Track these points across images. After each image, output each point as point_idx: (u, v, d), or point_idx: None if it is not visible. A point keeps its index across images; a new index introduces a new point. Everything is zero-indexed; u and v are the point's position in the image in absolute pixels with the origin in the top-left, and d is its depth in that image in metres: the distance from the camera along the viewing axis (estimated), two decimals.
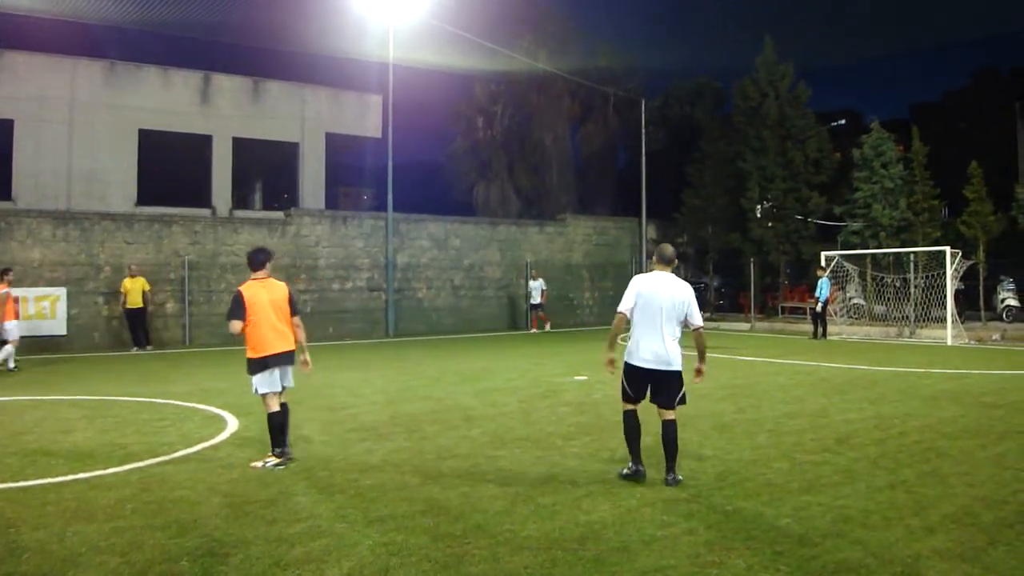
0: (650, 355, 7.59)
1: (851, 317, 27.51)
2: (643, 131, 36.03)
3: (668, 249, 7.99)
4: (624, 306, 7.77)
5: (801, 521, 6.20)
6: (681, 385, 7.66)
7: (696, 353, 7.84)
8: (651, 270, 7.82)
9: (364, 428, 10.34)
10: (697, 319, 7.74)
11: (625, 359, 7.76)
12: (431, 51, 32.61)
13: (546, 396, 13.16)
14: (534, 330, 29.18)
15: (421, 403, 12.58)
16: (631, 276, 28.57)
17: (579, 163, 44.35)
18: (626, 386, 7.83)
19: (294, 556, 5.55)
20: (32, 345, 21.83)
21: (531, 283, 29.54)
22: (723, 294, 36.95)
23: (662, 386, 7.59)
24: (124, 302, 22.71)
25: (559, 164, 41.63)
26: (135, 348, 22.64)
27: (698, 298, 28.96)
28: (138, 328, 22.89)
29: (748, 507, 6.60)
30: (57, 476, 7.90)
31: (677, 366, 7.58)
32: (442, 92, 41.43)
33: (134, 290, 22.65)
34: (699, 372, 7.79)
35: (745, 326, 29.70)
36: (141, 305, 22.74)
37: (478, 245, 30.75)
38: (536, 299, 29.14)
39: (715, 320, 32.05)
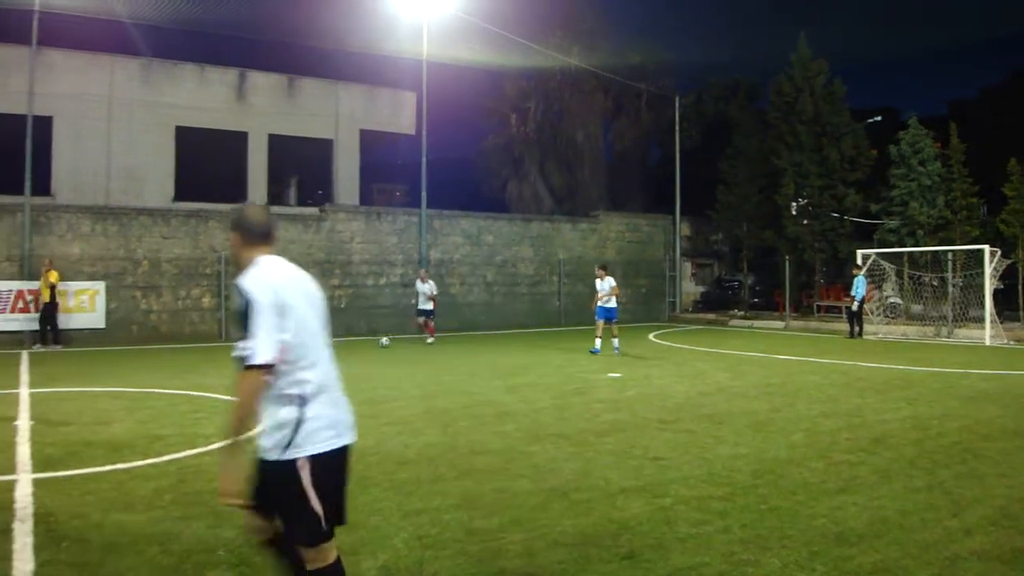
0: (340, 415, 3.94)
1: (888, 316, 27.22)
2: (677, 127, 35.88)
3: (259, 213, 4.17)
4: (270, 343, 3.59)
5: (837, 521, 6.15)
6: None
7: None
8: (253, 257, 3.94)
9: (398, 422, 10.39)
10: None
11: (292, 451, 3.69)
12: (464, 47, 32.65)
13: (579, 393, 13.16)
14: (431, 340, 23.60)
15: (455, 398, 12.62)
16: (665, 273, 28.18)
17: (612, 160, 44.23)
18: (317, 506, 3.70)
19: None
20: (72, 338, 22.20)
21: (419, 284, 23.95)
22: (757, 292, 36.70)
23: (335, 478, 3.92)
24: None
25: (592, 161, 41.56)
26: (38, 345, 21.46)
27: (733, 296, 28.29)
28: (47, 324, 21.76)
29: (783, 506, 6.55)
30: (96, 466, 8.00)
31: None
32: (475, 88, 41.45)
33: (47, 283, 21.61)
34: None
35: (779, 324, 29.50)
36: (50, 300, 21.64)
37: (511, 241, 30.78)
38: (426, 304, 23.67)
39: (749, 318, 31.86)
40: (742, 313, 33.30)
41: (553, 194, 40.99)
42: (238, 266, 3.87)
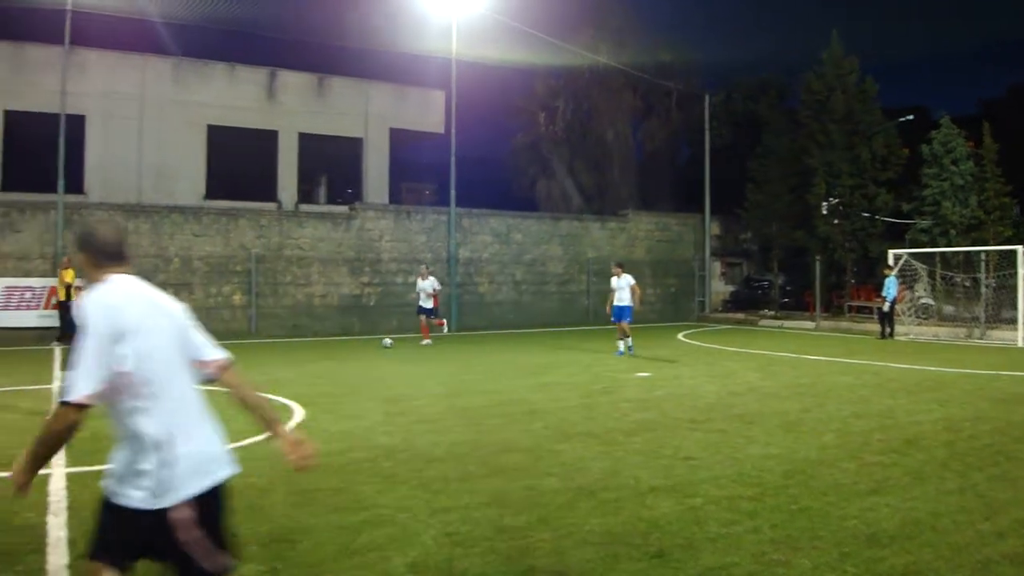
0: (205, 450, 3.45)
1: (919, 317, 26.96)
2: (707, 126, 35.72)
3: (108, 231, 3.63)
4: (91, 378, 3.22)
5: (869, 522, 6.10)
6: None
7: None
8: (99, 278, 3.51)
9: (427, 420, 10.42)
10: (214, 348, 3.67)
11: (160, 499, 3.22)
12: (493, 46, 32.65)
13: (608, 392, 13.14)
14: (426, 341, 22.41)
15: (483, 396, 12.64)
16: (694, 273, 27.97)
17: (641, 158, 44.09)
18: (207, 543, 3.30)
19: (359, 544, 5.63)
20: None
21: (420, 282, 22.84)
22: (787, 292, 36.45)
23: (214, 518, 3.42)
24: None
25: (621, 159, 41.47)
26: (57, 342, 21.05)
27: (763, 296, 27.86)
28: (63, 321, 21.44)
29: (814, 507, 6.50)
30: None
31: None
32: (504, 87, 41.47)
33: (64, 281, 21.54)
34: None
35: (810, 325, 29.29)
36: (66, 298, 21.36)
37: (540, 240, 30.77)
38: (426, 302, 22.64)
39: (779, 318, 31.67)
40: (772, 313, 33.09)
41: (582, 193, 40.94)
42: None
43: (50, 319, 22.27)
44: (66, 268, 21.43)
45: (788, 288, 36.42)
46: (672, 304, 33.78)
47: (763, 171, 34.85)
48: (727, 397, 12.42)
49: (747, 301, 36.19)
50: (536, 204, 40.40)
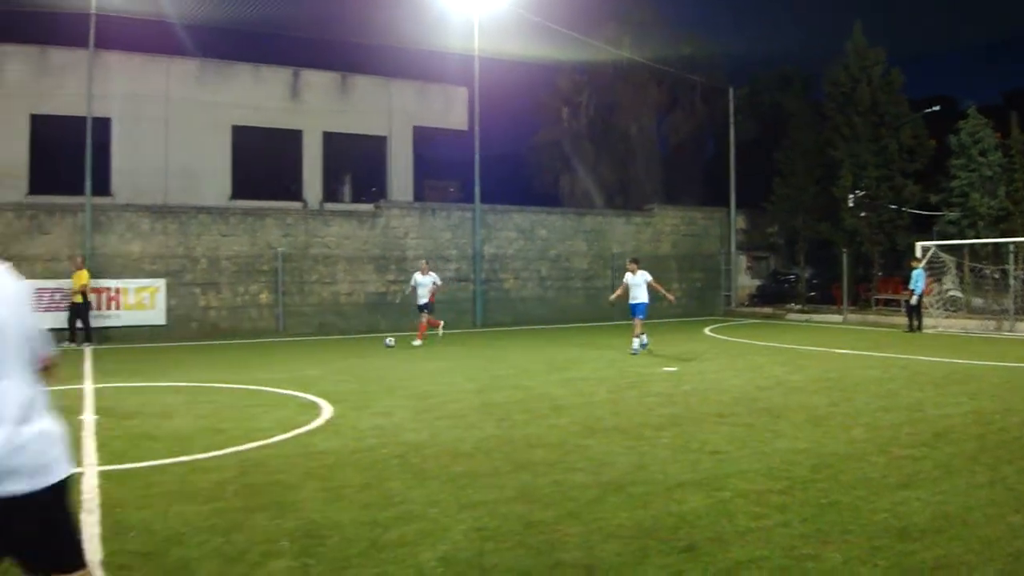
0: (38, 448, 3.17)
1: (948, 310, 26.72)
2: (731, 119, 35.55)
3: None
4: None
5: (899, 516, 6.07)
6: (71, 519, 3.32)
7: None
8: None
9: (454, 416, 10.46)
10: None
11: None
12: (515, 42, 32.64)
13: (634, 386, 13.13)
14: (418, 341, 21.18)
15: (510, 392, 12.66)
16: (720, 267, 27.84)
17: (665, 153, 43.94)
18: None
19: (389, 539, 5.66)
20: (134, 334, 22.67)
21: (417, 277, 21.69)
22: (814, 286, 36.20)
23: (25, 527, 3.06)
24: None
25: (645, 154, 41.35)
26: (69, 343, 21.06)
27: (789, 289, 27.55)
28: (74, 322, 21.58)
29: (844, 501, 6.48)
30: (160, 459, 8.17)
31: (53, 474, 3.17)
32: (527, 83, 41.46)
33: (78, 283, 21.54)
34: None
35: (837, 318, 29.11)
36: (82, 300, 21.56)
37: (564, 236, 30.75)
38: (423, 298, 21.38)
39: (806, 312, 31.50)
40: (799, 307, 32.91)
41: (607, 188, 40.86)
42: None
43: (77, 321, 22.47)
44: (79, 269, 21.59)
45: (815, 281, 36.19)
46: (698, 298, 33.67)
47: (788, 164, 34.63)
48: (754, 391, 12.38)
49: (774, 295, 35.99)
50: (560, 200, 40.35)
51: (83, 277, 21.46)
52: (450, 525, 5.94)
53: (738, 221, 35.71)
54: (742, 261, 36.89)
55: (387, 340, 20.93)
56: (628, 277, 18.91)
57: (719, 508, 6.30)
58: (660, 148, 43.48)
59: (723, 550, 5.35)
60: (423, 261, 23.27)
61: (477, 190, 28.60)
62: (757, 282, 37.98)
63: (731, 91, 36.05)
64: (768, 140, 36.84)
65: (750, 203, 36.25)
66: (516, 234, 29.69)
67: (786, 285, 36.69)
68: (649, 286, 18.70)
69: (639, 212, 33.84)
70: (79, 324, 21.53)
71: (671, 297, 19.33)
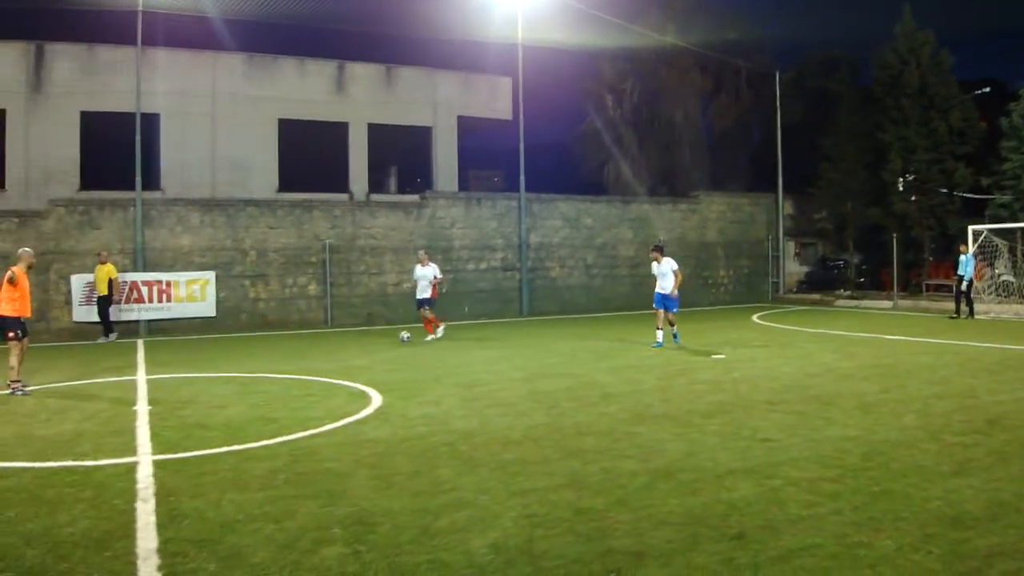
0: None
1: (1000, 295, 26.20)
2: (778, 104, 35.16)
3: None
4: None
5: (952, 504, 6.01)
6: None
7: None
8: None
9: (503, 404, 10.50)
10: None
11: None
12: (559, 30, 32.50)
13: (683, 374, 13.08)
14: (430, 337, 19.96)
15: (558, 380, 12.68)
16: (768, 254, 27.48)
17: (711, 138, 43.54)
18: None
19: (440, 526, 5.71)
20: (185, 326, 23.02)
21: (417, 270, 20.28)
22: (864, 271, 35.74)
23: None
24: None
25: (691, 140, 40.98)
26: (101, 338, 21.41)
27: (838, 275, 27.05)
28: (104, 316, 21.73)
29: (896, 488, 6.42)
30: (213, 448, 8.31)
31: None
32: (570, 71, 41.20)
33: (100, 278, 21.63)
34: None
35: (887, 304, 28.70)
36: (106, 293, 21.59)
37: (610, 224, 30.63)
38: (424, 292, 19.96)
39: (855, 298, 31.12)
40: (848, 293, 32.53)
41: (652, 175, 40.57)
42: None
43: (132, 313, 22.85)
44: (103, 263, 21.79)
45: (864, 267, 35.75)
46: (746, 285, 33.38)
47: (836, 148, 34.21)
48: (804, 378, 12.28)
49: (822, 281, 35.62)
50: (605, 188, 40.16)
51: (108, 271, 21.68)
52: (500, 512, 5.97)
53: (785, 207, 35.34)
54: (790, 247, 36.54)
55: (402, 334, 19.89)
56: (653, 267, 17.56)
57: (770, 496, 6.27)
58: (705, 134, 43.09)
59: (774, 538, 5.33)
60: (421, 252, 21.47)
61: (522, 179, 28.59)
62: (805, 268, 37.62)
63: (777, 76, 35.62)
64: (815, 124, 36.37)
65: (797, 188, 35.86)
66: (562, 223, 29.63)
67: (835, 271, 36.30)
68: (674, 275, 17.14)
69: (685, 199, 33.59)
70: (100, 317, 21.76)
71: (673, 292, 17.16)
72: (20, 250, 13.29)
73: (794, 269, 36.83)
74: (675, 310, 17.36)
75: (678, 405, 10.19)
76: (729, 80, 41.34)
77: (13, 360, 12.34)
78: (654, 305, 17.44)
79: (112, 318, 21.83)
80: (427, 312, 20.05)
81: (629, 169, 40.42)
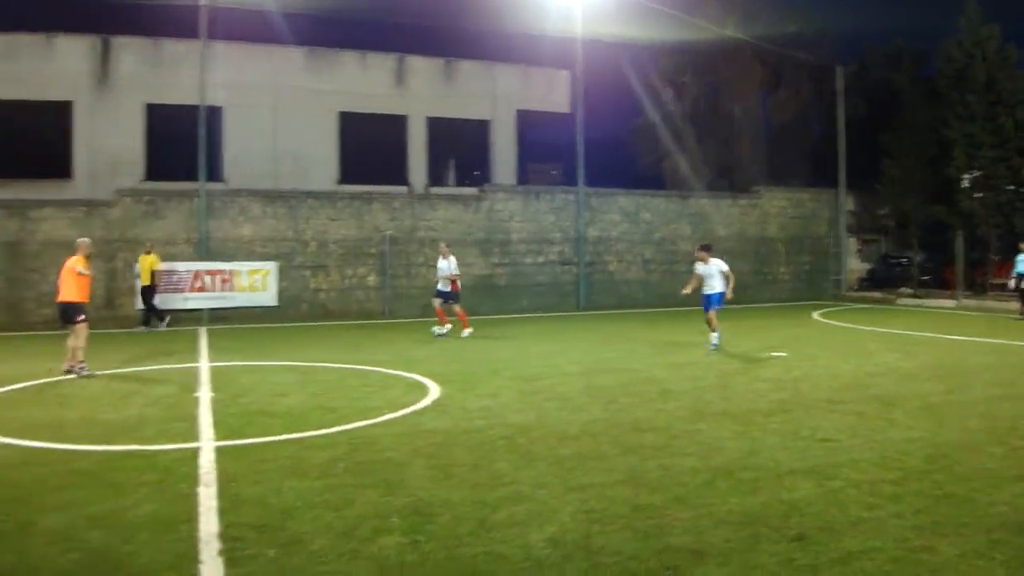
0: None
1: None
2: (840, 98, 34.61)
3: None
4: None
5: (1018, 509, 5.89)
6: None
7: None
8: None
9: (560, 398, 10.51)
10: None
11: None
12: (618, 23, 32.33)
13: (743, 371, 12.97)
14: (445, 327, 19.16)
15: (615, 375, 12.65)
16: (829, 250, 27.08)
17: (771, 133, 42.98)
18: None
19: (497, 519, 5.73)
20: (246, 315, 23.37)
21: (440, 262, 19.73)
22: (927, 269, 35.06)
23: None
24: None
25: (750, 134, 40.51)
26: (142, 327, 21.71)
27: (900, 273, 26.34)
28: (151, 304, 22.04)
29: (959, 492, 6.30)
30: (273, 435, 8.44)
31: None
32: (629, 64, 40.99)
33: (145, 268, 21.92)
34: None
35: (951, 303, 28.15)
36: (150, 283, 21.90)
37: (669, 219, 30.46)
38: (445, 286, 19.36)
39: (918, 297, 30.56)
40: (910, 291, 31.95)
41: (711, 169, 40.19)
42: None
43: (195, 302, 23.26)
44: (148, 254, 22.09)
45: (927, 265, 35.07)
46: (806, 282, 32.98)
47: (899, 144, 33.57)
48: (865, 378, 12.11)
49: (884, 279, 35.03)
50: (663, 182, 39.88)
51: (152, 262, 21.98)
52: (558, 507, 5.98)
53: (847, 203, 34.81)
54: (852, 244, 36.00)
55: (435, 329, 19.13)
56: (699, 267, 16.36)
57: (830, 497, 6.20)
58: (765, 128, 42.57)
59: (835, 539, 5.27)
60: (442, 244, 20.63)
61: (581, 173, 28.55)
62: (867, 265, 37.05)
63: (838, 69, 35.05)
64: (877, 119, 35.74)
65: (859, 184, 35.29)
66: (620, 217, 29.53)
67: (897, 269, 35.66)
68: (725, 276, 16.07)
69: (745, 194, 33.26)
70: (141, 306, 22.12)
71: (729, 294, 16.15)
72: (81, 240, 13.87)
73: (856, 266, 36.31)
74: (718, 308, 16.09)
75: (738, 403, 10.12)
76: (789, 73, 40.76)
77: (81, 341, 12.97)
78: (705, 309, 16.25)
79: (164, 306, 22.31)
80: (453, 307, 19.18)
81: (687, 163, 40.10)
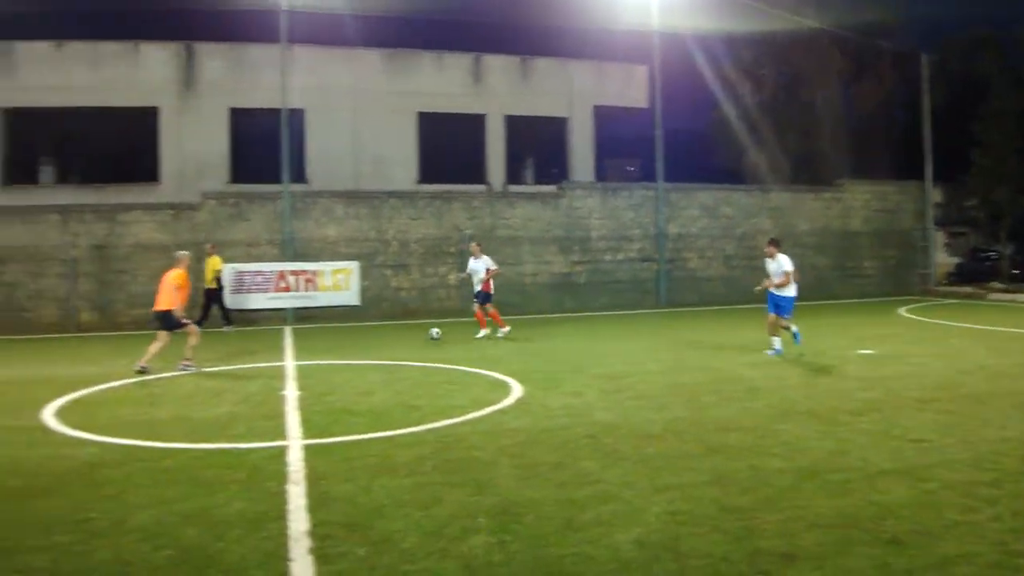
0: None
1: None
2: (925, 86, 33.76)
3: None
4: None
5: None
6: None
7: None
8: None
9: (643, 397, 10.46)
10: None
11: None
12: (694, 15, 32.00)
13: (829, 369, 12.73)
14: (483, 331, 18.78)
15: (698, 373, 12.55)
16: (916, 244, 26.32)
17: (854, 124, 42.07)
18: None
19: (584, 519, 5.72)
20: (329, 314, 23.75)
21: (471, 262, 19.19)
22: (1019, 263, 34.02)
23: None
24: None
25: (831, 126, 39.73)
26: (228, 326, 21.88)
27: (991, 267, 25.56)
28: (210, 308, 22.10)
29: None
30: (360, 434, 8.58)
31: None
32: (706, 57, 40.53)
33: (209, 269, 21.93)
34: None
35: None
36: (214, 286, 22.06)
37: (749, 213, 30.05)
38: (476, 285, 18.94)
39: (1011, 291, 29.67)
40: (1002, 286, 31.03)
41: (792, 162, 39.54)
42: None
43: (280, 301, 23.71)
44: (211, 255, 22.25)
45: (1019, 258, 34.03)
46: (892, 277, 32.20)
47: (988, 133, 32.63)
48: (956, 376, 11.80)
49: (974, 273, 34.12)
50: (743, 176, 39.36)
51: (216, 264, 22.21)
52: (644, 507, 5.95)
53: (934, 195, 33.93)
54: (939, 237, 35.09)
55: (432, 332, 18.46)
56: (769, 264, 15.06)
57: (924, 499, 6.07)
58: (847, 119, 41.69)
59: (930, 543, 5.16)
60: (473, 243, 20.13)
61: (660, 168, 28.34)
62: (955, 260, 36.13)
63: (923, 57, 34.18)
64: (964, 108, 34.75)
65: (947, 176, 34.36)
66: (700, 212, 29.24)
67: (987, 263, 34.71)
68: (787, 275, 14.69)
69: (828, 187, 32.62)
70: (215, 308, 22.24)
71: (770, 286, 14.79)
72: (181, 253, 14.70)
73: (944, 260, 35.42)
74: (787, 315, 14.74)
75: (825, 402, 9.94)
76: (870, 62, 39.87)
77: (193, 341, 13.91)
78: (768, 311, 14.97)
79: (250, 306, 22.93)
80: (487, 308, 18.79)
81: (767, 157, 39.51)
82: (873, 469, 6.85)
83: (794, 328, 14.78)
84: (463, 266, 20.33)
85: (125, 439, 8.50)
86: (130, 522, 5.81)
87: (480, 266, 18.78)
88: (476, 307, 19.02)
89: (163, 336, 13.80)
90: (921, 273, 32.75)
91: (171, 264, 14.56)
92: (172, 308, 13.74)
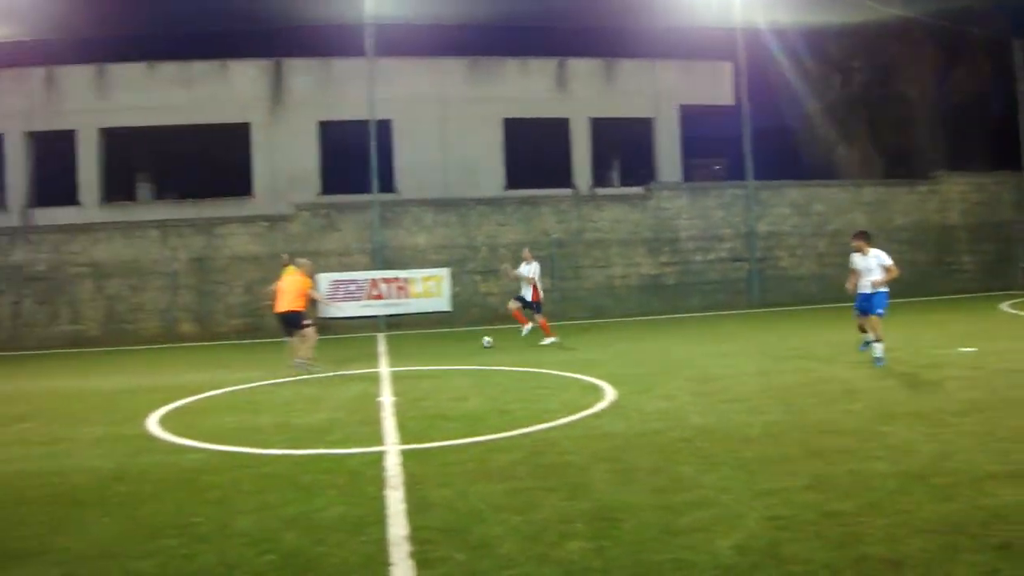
0: None
1: None
2: (1021, 73, 32.59)
3: None
4: None
5: None
6: None
7: None
8: None
9: (738, 399, 10.32)
10: None
11: None
12: (779, 10, 31.51)
13: (930, 368, 12.39)
14: (547, 339, 18.65)
15: (794, 375, 12.35)
16: (1014, 237, 25.39)
17: (949, 115, 40.86)
18: None
19: (682, 524, 5.66)
20: (422, 320, 24.08)
21: (523, 267, 19.09)
22: None
23: None
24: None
25: (925, 117, 38.67)
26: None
27: None
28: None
29: None
30: (455, 439, 8.63)
31: None
32: (794, 52, 39.86)
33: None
34: None
35: None
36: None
37: (842, 210, 29.45)
38: (526, 291, 18.97)
39: None
40: None
41: (885, 156, 38.60)
42: None
43: (372, 309, 24.10)
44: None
45: None
46: (991, 272, 31.20)
47: None
48: None
49: None
50: (835, 172, 38.58)
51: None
52: (743, 512, 5.87)
53: None
54: None
55: (485, 340, 18.70)
56: (856, 259, 13.69)
57: None
58: (941, 110, 40.51)
59: None
60: (525, 248, 20.04)
61: (749, 166, 28.00)
62: None
63: (1016, 43, 32.99)
64: None
65: None
66: (790, 210, 28.78)
67: None
68: (886, 271, 13.27)
69: (923, 180, 31.78)
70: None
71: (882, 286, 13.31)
72: (303, 260, 16.10)
73: None
74: (881, 311, 13.17)
75: (928, 402, 9.68)
76: (964, 51, 38.67)
77: (311, 342, 14.83)
78: (855, 311, 13.79)
79: (343, 314, 23.28)
80: (536, 316, 18.84)
81: (859, 151, 38.65)
82: (980, 472, 6.64)
83: (871, 336, 13.21)
84: (551, 270, 20.30)
85: (227, 446, 8.73)
86: (233, 527, 5.95)
87: (526, 271, 18.83)
88: (514, 307, 19.19)
89: (302, 333, 14.79)
90: (1022, 267, 31.65)
91: (275, 273, 15.35)
92: (300, 309, 14.78)
